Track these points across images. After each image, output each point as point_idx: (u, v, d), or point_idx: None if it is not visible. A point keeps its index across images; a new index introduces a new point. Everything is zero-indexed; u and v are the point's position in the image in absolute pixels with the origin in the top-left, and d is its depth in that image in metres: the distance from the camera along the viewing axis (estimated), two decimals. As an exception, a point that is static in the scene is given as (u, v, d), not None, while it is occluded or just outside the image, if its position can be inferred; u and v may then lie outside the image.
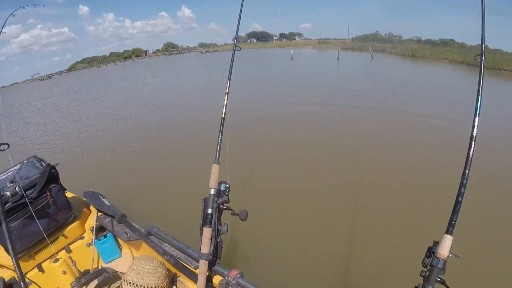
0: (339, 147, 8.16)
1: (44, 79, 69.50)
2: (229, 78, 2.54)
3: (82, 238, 3.36)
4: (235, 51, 2.72)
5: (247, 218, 2.17)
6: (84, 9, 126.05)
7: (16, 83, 73.74)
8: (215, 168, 2.19)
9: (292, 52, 44.77)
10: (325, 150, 8.00)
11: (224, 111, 2.38)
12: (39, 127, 14.65)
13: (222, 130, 2.33)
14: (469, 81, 20.37)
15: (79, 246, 3.29)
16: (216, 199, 2.12)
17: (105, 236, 3.31)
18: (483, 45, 1.68)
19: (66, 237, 3.20)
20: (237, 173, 4.76)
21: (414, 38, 62.24)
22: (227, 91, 2.51)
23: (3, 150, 2.47)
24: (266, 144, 8.55)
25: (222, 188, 2.18)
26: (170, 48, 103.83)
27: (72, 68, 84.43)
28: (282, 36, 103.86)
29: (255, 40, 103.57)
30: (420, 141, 8.40)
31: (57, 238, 3.14)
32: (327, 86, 17.37)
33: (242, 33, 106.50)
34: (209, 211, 2.08)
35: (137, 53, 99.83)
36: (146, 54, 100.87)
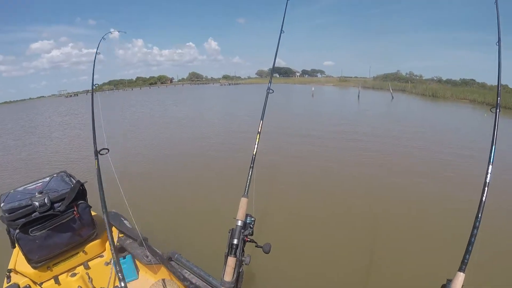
0: (357, 181, 8.41)
1: (71, 96, 71.65)
2: (262, 118, 2.64)
3: (102, 256, 3.41)
4: (269, 93, 2.79)
5: (270, 251, 2.24)
6: (115, 33, 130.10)
7: (43, 96, 75.46)
8: (243, 201, 2.27)
9: (313, 89, 44.87)
10: (344, 185, 8.20)
11: (255, 149, 2.49)
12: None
13: (253, 166, 2.42)
14: (487, 121, 20.11)
15: (98, 264, 3.34)
16: (242, 230, 2.20)
17: (124, 257, 3.37)
18: (499, 98, 1.81)
19: (86, 253, 3.26)
20: (262, 208, 4.89)
21: (435, 78, 62.23)
22: (259, 130, 2.60)
23: (103, 154, 2.68)
24: (287, 179, 8.67)
25: (247, 221, 2.25)
26: (194, 78, 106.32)
27: (98, 89, 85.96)
28: (304, 72, 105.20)
29: (277, 75, 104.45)
30: (435, 176, 8.64)
31: (77, 253, 3.21)
32: (343, 125, 17.58)
33: (265, 68, 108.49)
34: (235, 241, 2.15)
35: (162, 80, 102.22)
36: (171, 81, 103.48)
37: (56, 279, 3.07)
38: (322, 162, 10.24)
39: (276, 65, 3.16)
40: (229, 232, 2.23)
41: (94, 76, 3.68)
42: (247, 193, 2.32)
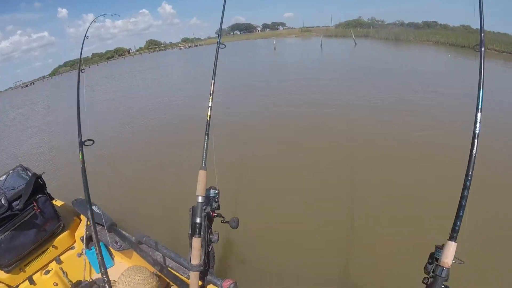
0: (332, 140, 7.86)
1: (27, 85, 69.27)
2: (214, 78, 2.42)
3: (73, 248, 3.32)
4: (219, 49, 2.54)
5: (238, 225, 2.09)
6: (63, 12, 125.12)
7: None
8: (202, 174, 2.06)
9: (274, 42, 44.19)
10: (316, 143, 7.69)
11: (209, 114, 2.25)
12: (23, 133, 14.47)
13: (208, 134, 2.19)
14: (453, 60, 21.32)
15: (70, 257, 3.26)
16: (204, 207, 2.01)
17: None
18: (482, 34, 1.60)
19: (56, 247, 3.17)
20: (226, 178, 4.63)
21: (397, 22, 62.47)
22: (211, 92, 2.36)
23: (88, 145, 2.65)
24: (253, 143, 8.26)
25: (211, 195, 2.07)
26: (153, 45, 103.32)
27: (55, 73, 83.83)
28: (265, 26, 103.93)
29: (238, 32, 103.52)
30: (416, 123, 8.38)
31: (46, 249, 3.12)
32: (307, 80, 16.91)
33: (225, 26, 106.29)
34: (198, 220, 1.97)
35: (120, 53, 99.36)
36: (129, 53, 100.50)
37: (30, 279, 3.01)
38: (289, 115, 10.02)
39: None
40: (190, 211, 2.03)
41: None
42: (204, 164, 2.11)
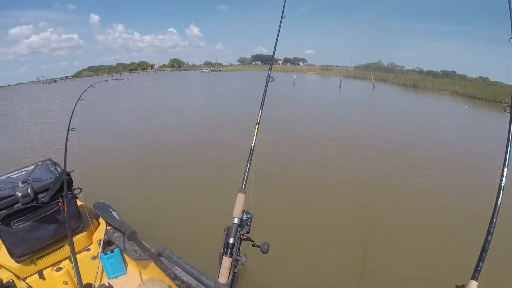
0: (355, 175, 8.23)
1: (50, 82, 70.50)
2: (261, 108, 2.47)
3: (88, 250, 3.31)
4: (269, 81, 2.60)
5: (268, 251, 2.12)
6: (95, 18, 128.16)
7: (22, 83, 74.19)
8: (240, 197, 2.14)
9: (295, 77, 44.50)
10: (340, 176, 8.09)
11: (254, 140, 2.34)
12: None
13: (251, 160, 2.27)
14: (469, 112, 21.60)
15: (84, 258, 3.22)
16: (239, 229, 2.08)
17: (112, 251, 3.26)
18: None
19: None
20: (259, 203, 4.76)
21: (416, 69, 62.99)
22: (258, 121, 2.43)
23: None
24: (285, 172, 8.48)
25: (244, 218, 2.13)
26: (176, 64, 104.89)
27: (78, 75, 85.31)
28: (286, 60, 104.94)
29: (259, 63, 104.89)
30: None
31: (62, 247, 3.09)
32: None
33: (247, 55, 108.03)
34: (231, 240, 2.03)
35: (143, 66, 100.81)
36: (152, 68, 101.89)
37: (40, 273, 2.96)
38: (321, 155, 10.13)
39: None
40: (224, 230, 2.10)
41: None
42: (244, 188, 2.19)
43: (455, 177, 8.26)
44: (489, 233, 1.57)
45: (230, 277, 2.03)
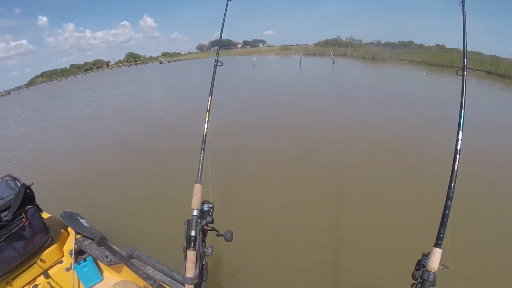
0: (318, 153, 8.26)
1: (2, 95, 67.52)
2: (211, 94, 2.44)
3: (61, 262, 3.23)
4: (217, 66, 2.55)
5: (232, 238, 2.12)
6: (43, 20, 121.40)
7: None
8: (197, 188, 2.09)
9: (254, 59, 44.57)
10: (304, 157, 8.04)
11: (205, 129, 2.29)
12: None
13: (204, 148, 2.23)
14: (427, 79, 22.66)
15: (58, 271, 3.15)
16: (199, 220, 2.04)
17: (84, 260, 3.17)
18: (465, 60, 1.75)
19: (44, 261, 3.05)
20: (218, 191, 4.66)
21: (374, 42, 64.03)
22: (208, 108, 2.40)
23: None
24: (245, 157, 8.44)
25: (205, 208, 2.10)
26: (132, 59, 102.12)
27: (31, 83, 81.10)
28: (245, 43, 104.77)
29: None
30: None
31: (34, 263, 3.00)
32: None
33: (206, 41, 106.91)
34: (193, 233, 2.00)
35: (98, 65, 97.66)
36: (107, 65, 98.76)
37: None
38: (281, 135, 10.11)
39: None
40: (185, 224, 2.06)
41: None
42: (200, 178, 2.14)
43: (412, 146, 8.43)
44: (448, 198, 1.57)
45: (197, 270, 2.01)
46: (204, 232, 2.09)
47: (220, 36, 2.87)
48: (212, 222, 2.12)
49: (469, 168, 5.92)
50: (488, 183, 6.13)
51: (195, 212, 2.04)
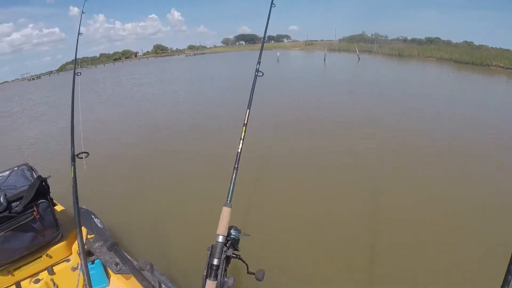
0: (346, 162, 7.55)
1: (34, 79, 70.83)
2: (249, 107, 2.09)
3: (68, 260, 3.16)
4: (257, 76, 2.23)
5: (264, 278, 1.83)
6: (74, 10, 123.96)
7: (6, 81, 74.04)
8: (225, 211, 1.82)
9: (278, 54, 44.40)
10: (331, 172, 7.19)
11: (240, 145, 1.98)
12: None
13: (237, 168, 1.93)
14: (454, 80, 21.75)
15: (64, 269, 3.09)
16: (224, 248, 1.77)
17: (92, 262, 3.08)
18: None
19: (50, 257, 3.01)
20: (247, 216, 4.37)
21: (400, 38, 62.86)
22: (245, 122, 2.06)
23: (82, 158, 2.61)
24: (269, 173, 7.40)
25: (232, 235, 1.82)
26: (159, 50, 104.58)
27: (62, 69, 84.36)
28: (270, 38, 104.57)
29: (243, 43, 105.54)
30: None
31: (40, 257, 2.95)
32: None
33: (231, 35, 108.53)
34: (215, 261, 1.72)
35: (126, 55, 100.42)
36: (135, 56, 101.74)
37: (18, 285, 2.86)
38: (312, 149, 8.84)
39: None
40: (208, 250, 1.78)
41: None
42: (230, 201, 1.87)
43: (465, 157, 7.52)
44: None
45: (214, 302, 1.76)
46: (227, 262, 1.83)
47: (263, 43, 2.73)
48: (237, 250, 1.86)
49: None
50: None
51: (220, 239, 1.76)
